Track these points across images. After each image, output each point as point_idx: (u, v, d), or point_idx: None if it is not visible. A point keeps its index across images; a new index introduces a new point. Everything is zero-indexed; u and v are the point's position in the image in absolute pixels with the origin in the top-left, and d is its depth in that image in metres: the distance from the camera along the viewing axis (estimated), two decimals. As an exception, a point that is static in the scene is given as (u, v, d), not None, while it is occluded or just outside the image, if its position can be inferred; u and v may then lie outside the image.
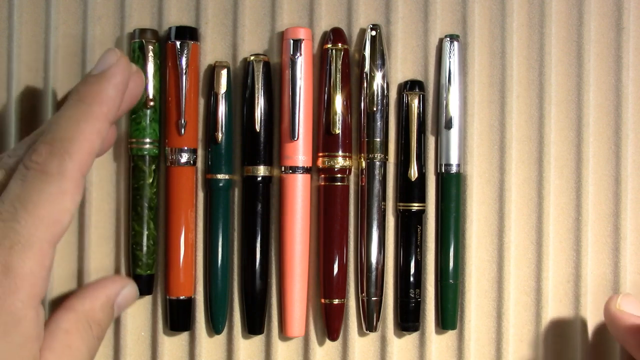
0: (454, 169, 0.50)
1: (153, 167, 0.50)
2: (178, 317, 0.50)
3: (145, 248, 0.50)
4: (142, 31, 0.49)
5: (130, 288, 0.47)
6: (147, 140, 0.49)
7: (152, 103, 0.49)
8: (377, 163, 0.50)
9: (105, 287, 0.45)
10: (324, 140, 0.50)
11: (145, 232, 0.50)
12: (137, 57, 0.49)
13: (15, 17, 0.51)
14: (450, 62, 0.50)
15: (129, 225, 0.50)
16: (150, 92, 0.49)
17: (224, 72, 0.50)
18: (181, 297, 0.50)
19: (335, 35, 0.50)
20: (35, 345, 0.39)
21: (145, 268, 0.50)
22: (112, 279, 0.47)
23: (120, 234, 0.51)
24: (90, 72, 0.43)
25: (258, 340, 0.51)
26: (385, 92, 0.50)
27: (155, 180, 0.50)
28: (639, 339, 0.44)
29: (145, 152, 0.50)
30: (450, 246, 0.50)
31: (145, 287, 0.50)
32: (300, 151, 0.50)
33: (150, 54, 0.49)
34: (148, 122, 0.49)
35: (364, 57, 0.50)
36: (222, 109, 0.50)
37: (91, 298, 0.44)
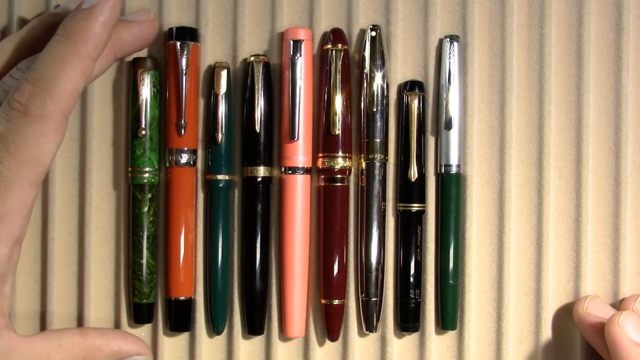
0: (453, 170, 0.50)
1: (149, 195, 0.50)
2: (178, 318, 0.50)
3: (143, 277, 0.50)
4: (142, 60, 0.49)
5: (144, 358, 0.47)
6: (144, 169, 0.49)
7: (143, 132, 0.49)
8: (377, 163, 0.50)
9: (124, 340, 0.46)
10: (323, 141, 0.50)
11: (143, 262, 0.50)
12: (133, 86, 0.49)
13: (15, 18, 0.51)
14: (450, 62, 0.50)
15: (128, 254, 0.50)
16: (142, 121, 0.49)
17: (224, 73, 0.50)
18: (181, 298, 0.50)
19: (335, 35, 0.50)
20: (5, 288, 0.40)
21: (142, 297, 0.50)
22: (135, 339, 0.47)
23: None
24: (79, 4, 0.43)
25: (258, 340, 0.51)
26: (385, 92, 0.50)
27: (152, 209, 0.50)
28: (602, 338, 0.47)
29: (144, 181, 0.50)
30: (450, 246, 0.50)
31: (144, 315, 0.50)
32: (300, 152, 0.50)
33: (145, 83, 0.49)
34: (143, 150, 0.49)
35: (363, 57, 0.50)
36: (222, 109, 0.50)
37: (106, 340, 0.45)
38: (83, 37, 0.42)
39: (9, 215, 0.40)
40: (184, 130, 0.49)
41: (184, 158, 0.50)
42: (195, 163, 0.50)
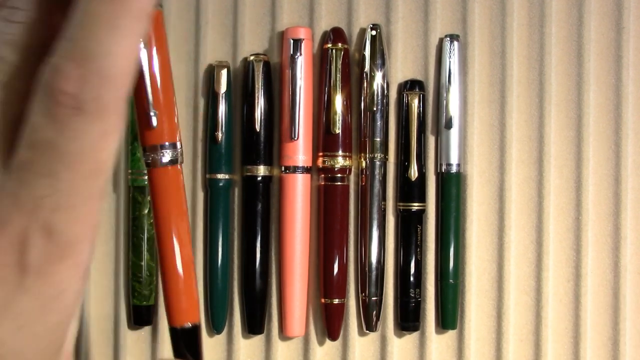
0: (454, 169, 0.50)
1: (149, 197, 0.50)
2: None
3: (142, 279, 0.50)
4: None
5: None
6: (144, 171, 0.49)
7: None
8: (377, 163, 0.50)
9: None
10: (324, 140, 0.50)
11: (143, 264, 0.50)
12: None
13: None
14: (450, 61, 0.50)
15: (128, 256, 0.50)
16: None
17: (224, 72, 0.50)
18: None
19: (336, 34, 0.50)
20: (71, 326, 0.32)
21: (142, 299, 0.50)
22: None
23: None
24: None
25: (258, 340, 0.51)
26: (385, 91, 0.50)
27: (151, 211, 0.50)
28: None
29: (144, 183, 0.49)
30: (450, 246, 0.50)
31: (144, 317, 0.50)
32: (300, 151, 0.50)
33: None
34: None
35: (364, 56, 0.50)
36: (222, 108, 0.50)
37: None
38: None
39: (78, 243, 0.30)
40: (156, 121, 0.38)
41: (166, 156, 0.38)
42: (178, 160, 0.38)
